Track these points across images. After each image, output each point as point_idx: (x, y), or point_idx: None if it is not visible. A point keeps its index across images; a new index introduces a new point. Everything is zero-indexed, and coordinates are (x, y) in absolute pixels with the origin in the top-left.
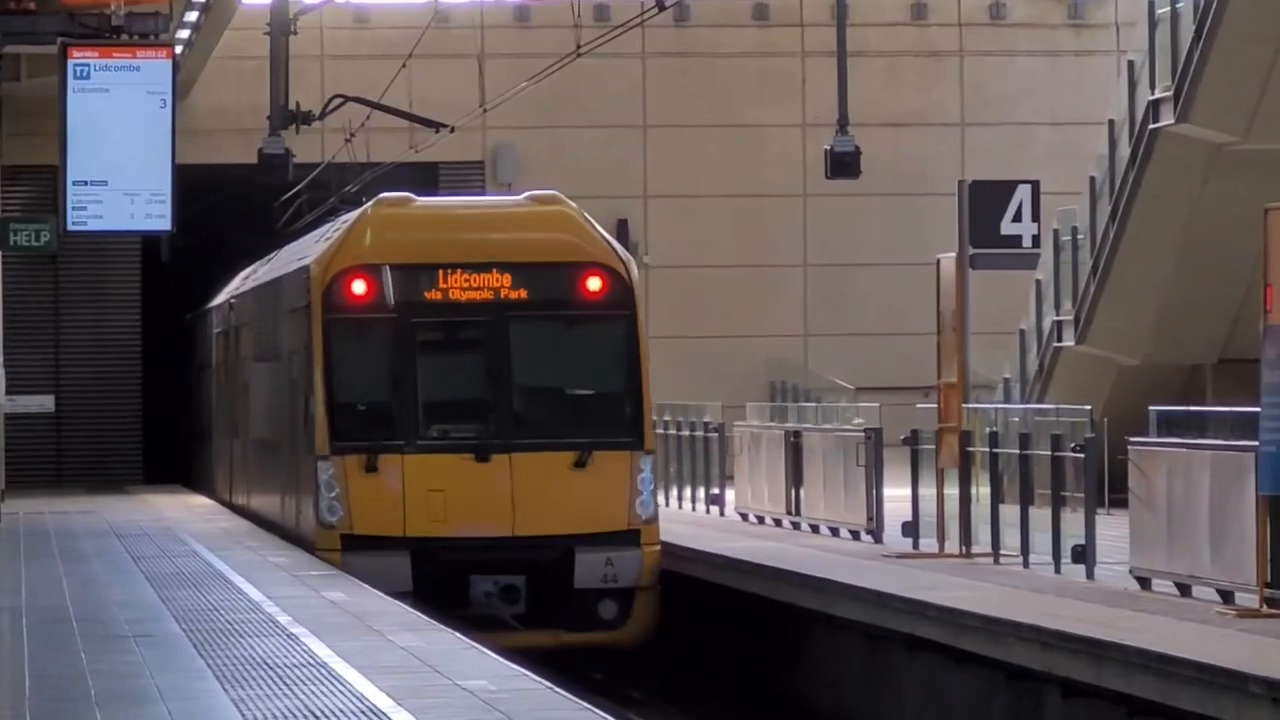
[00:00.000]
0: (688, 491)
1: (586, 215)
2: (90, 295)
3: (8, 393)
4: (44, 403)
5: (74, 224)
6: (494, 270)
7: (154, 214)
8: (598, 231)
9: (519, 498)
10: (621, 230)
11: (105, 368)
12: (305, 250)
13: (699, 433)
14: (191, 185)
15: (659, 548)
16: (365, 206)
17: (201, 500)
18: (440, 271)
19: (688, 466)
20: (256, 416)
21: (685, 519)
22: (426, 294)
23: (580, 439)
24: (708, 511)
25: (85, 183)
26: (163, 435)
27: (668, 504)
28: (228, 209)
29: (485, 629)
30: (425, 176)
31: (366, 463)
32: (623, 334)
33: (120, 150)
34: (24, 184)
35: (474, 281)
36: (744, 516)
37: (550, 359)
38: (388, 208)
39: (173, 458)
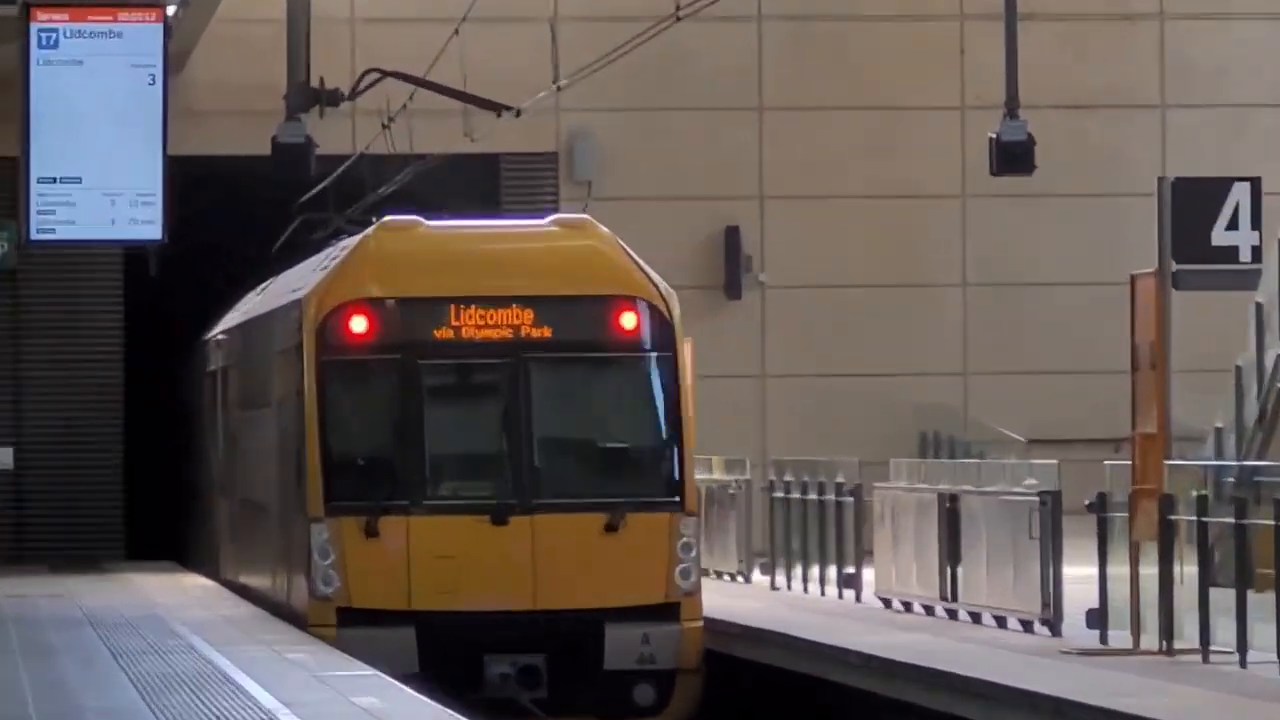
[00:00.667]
0: (815, 571)
1: (621, 243)
2: (59, 322)
3: None
4: (1, 458)
5: (39, 231)
6: (514, 305)
7: (140, 219)
8: (633, 260)
9: (541, 566)
10: (731, 240)
11: (78, 413)
12: (300, 280)
13: (829, 496)
14: (188, 183)
15: (702, 624)
16: (367, 231)
17: (199, 581)
18: (452, 306)
19: (815, 540)
20: (244, 473)
21: (811, 605)
22: (436, 332)
23: (612, 499)
24: (840, 596)
25: (53, 179)
26: (151, 499)
27: (789, 586)
28: (234, 213)
29: (501, 716)
30: (483, 173)
31: (366, 525)
32: (661, 377)
33: (97, 139)
34: None
35: (491, 318)
36: (886, 603)
37: (577, 406)
38: (392, 231)
39: (163, 527)
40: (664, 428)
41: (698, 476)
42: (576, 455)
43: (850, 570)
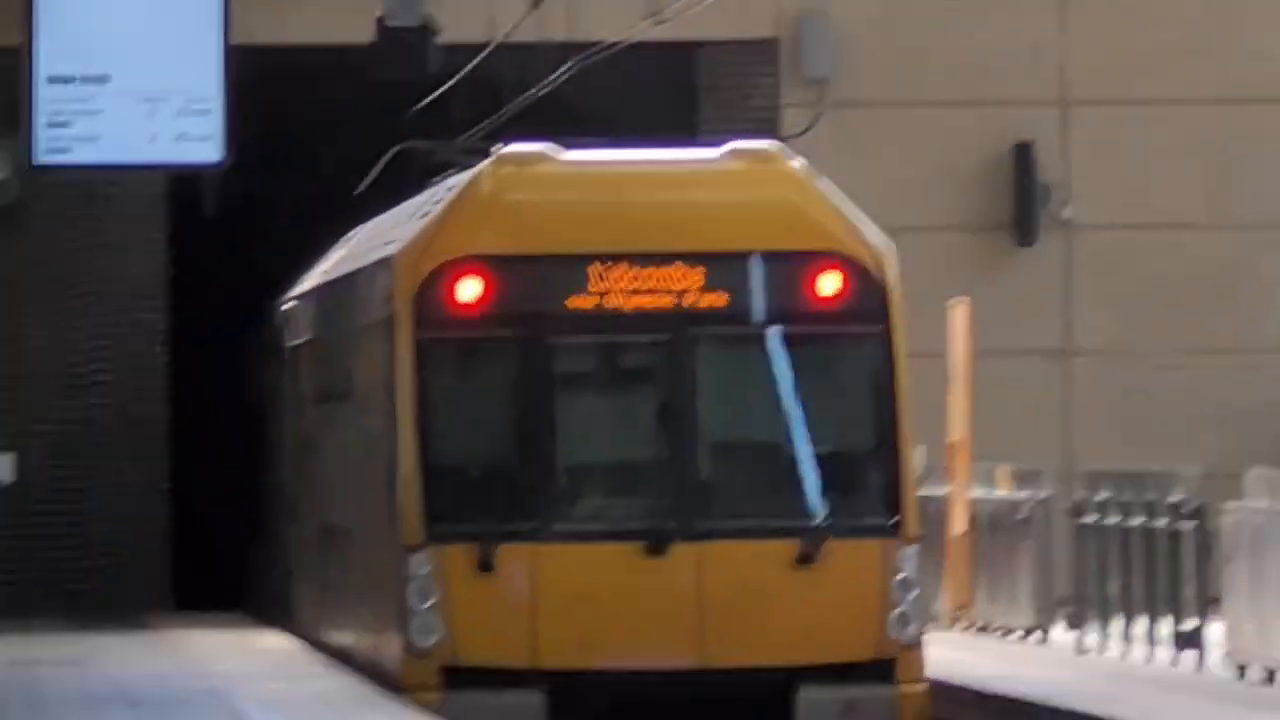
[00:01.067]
0: (1141, 625)
1: (823, 182)
2: (78, 281)
3: None
4: None
5: (49, 152)
6: (676, 264)
7: (191, 134)
8: (837, 205)
9: (711, 610)
10: (1022, 159)
11: (104, 408)
12: (393, 230)
13: (1161, 522)
14: (260, 84)
15: (926, 686)
16: (481, 165)
17: (274, 640)
18: (593, 266)
19: (1140, 581)
20: (322, 489)
21: (1135, 674)
22: (571, 300)
23: (807, 521)
24: (1175, 660)
25: (70, 79)
26: (208, 525)
27: (1104, 648)
28: (323, 125)
29: None
30: (673, 69)
31: (480, 557)
32: (872, 361)
33: (132, 21)
34: None
35: (645, 281)
36: (1241, 670)
37: (760, 400)
38: (515, 165)
39: (225, 564)
40: (875, 427)
41: (976, 493)
42: (759, 463)
43: (1191, 626)
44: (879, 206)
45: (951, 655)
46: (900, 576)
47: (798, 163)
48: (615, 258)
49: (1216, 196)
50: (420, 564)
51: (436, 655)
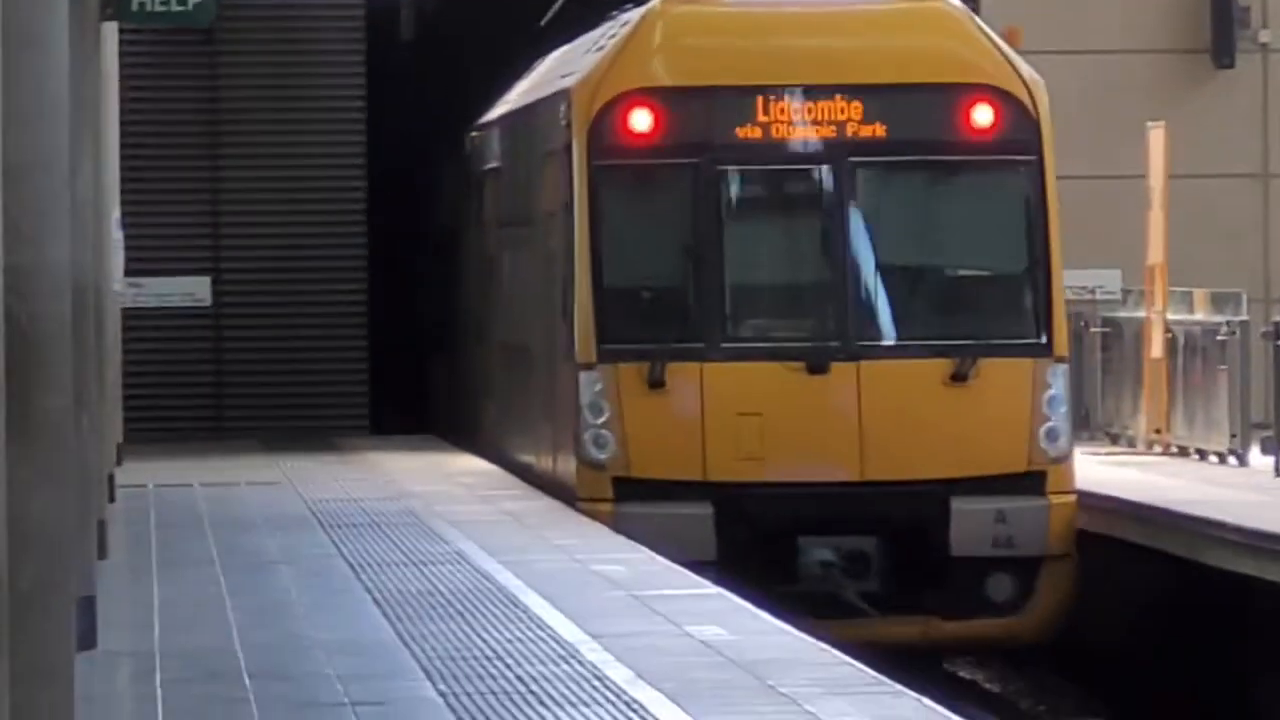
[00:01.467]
0: None
1: (976, 18)
2: (275, 106)
3: (136, 273)
4: (194, 290)
5: None
6: (838, 96)
7: None
8: (991, 39)
9: (870, 426)
10: None
11: (302, 232)
12: (570, 63)
13: None
14: None
15: (1074, 498)
16: (651, 2)
17: (469, 462)
18: (759, 98)
19: None
20: (505, 312)
21: None
22: (739, 130)
23: (960, 340)
24: None
25: None
26: (406, 351)
27: None
28: None
29: (822, 614)
30: None
31: (650, 374)
32: (1024, 189)
33: None
34: None
35: (808, 112)
36: None
37: (917, 224)
38: (684, 4)
39: (423, 389)
40: (1027, 252)
41: (1172, 315)
42: (915, 286)
43: None
44: (1077, 28)
45: (1147, 478)
46: (1049, 393)
47: (955, 4)
48: (780, 90)
49: None
50: (593, 381)
51: (609, 468)
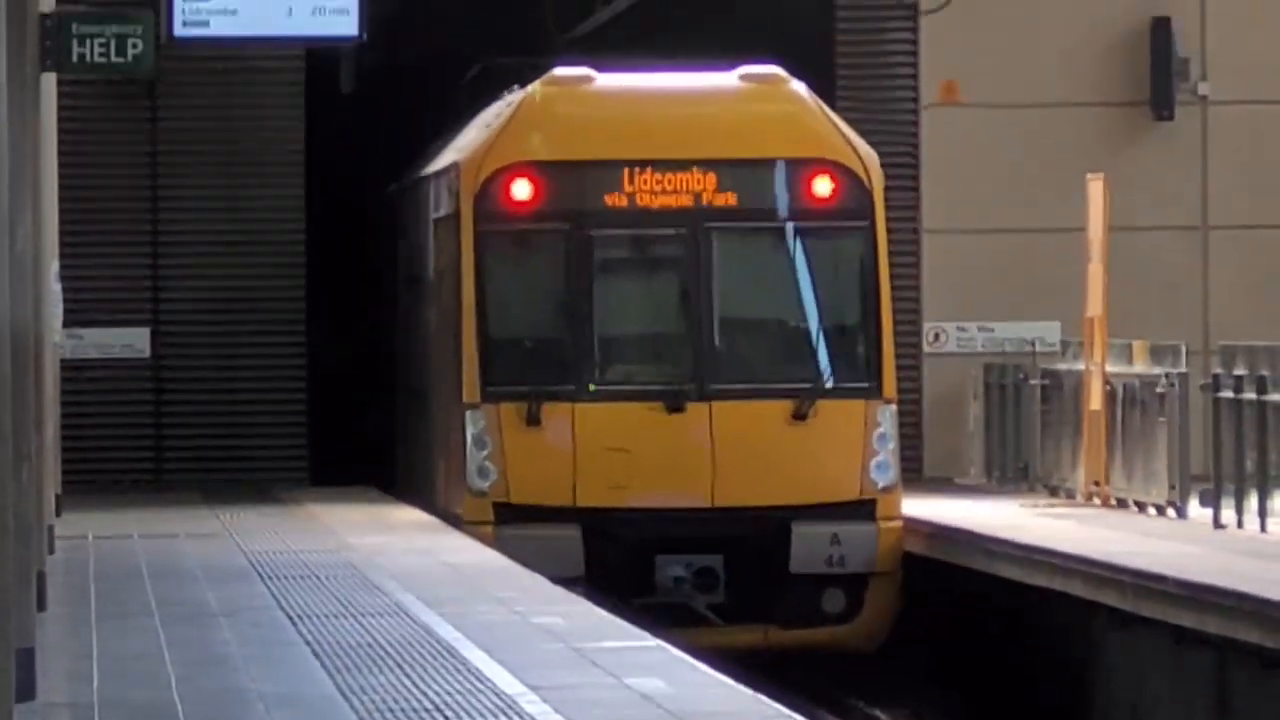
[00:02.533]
0: (1276, 502)
1: (820, 102)
2: (215, 156)
3: (75, 323)
4: (134, 341)
5: (186, 25)
6: (694, 169)
7: (330, 6)
8: (830, 118)
9: (720, 458)
10: (1160, 34)
11: (240, 284)
12: (465, 137)
13: None
14: None
15: (900, 523)
16: (531, 85)
17: (409, 514)
18: (625, 170)
19: (1276, 455)
20: (412, 360)
21: (1270, 549)
22: (607, 199)
23: (800, 384)
24: None
25: None
26: (346, 401)
27: (1240, 523)
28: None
29: (674, 623)
30: None
31: (528, 413)
32: (858, 251)
33: None
34: None
35: (668, 183)
36: None
37: (763, 282)
38: (560, 87)
39: (365, 441)
40: (860, 307)
41: (1112, 368)
42: (761, 336)
43: None
44: (1017, 81)
45: (1086, 531)
46: (879, 431)
47: (799, 85)
48: (643, 164)
49: None
50: (478, 419)
51: (491, 495)
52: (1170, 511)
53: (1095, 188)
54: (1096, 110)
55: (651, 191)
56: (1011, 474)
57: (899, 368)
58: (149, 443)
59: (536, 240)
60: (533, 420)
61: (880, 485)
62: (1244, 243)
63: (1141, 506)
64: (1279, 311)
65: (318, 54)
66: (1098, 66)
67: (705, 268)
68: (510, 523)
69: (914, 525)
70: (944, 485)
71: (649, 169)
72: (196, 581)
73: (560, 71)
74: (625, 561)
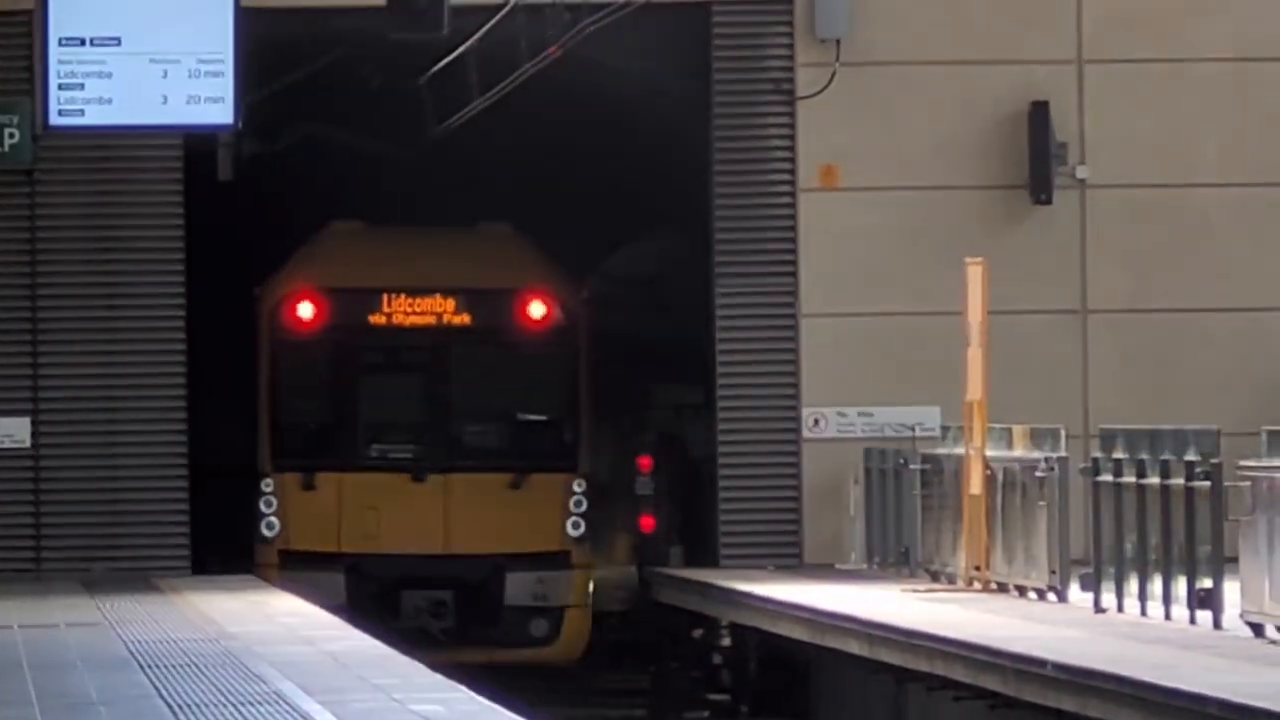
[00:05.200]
0: (1156, 586)
1: (532, 243)
2: (93, 245)
3: None
4: (13, 431)
5: (62, 114)
6: (437, 295)
7: (204, 95)
8: (544, 258)
9: (452, 516)
10: (1039, 118)
11: (120, 371)
12: (281, 264)
13: (1177, 481)
14: (271, 47)
15: (590, 569)
16: (320, 231)
17: (293, 603)
18: (385, 295)
19: (1157, 542)
20: (246, 441)
21: (1152, 634)
22: (371, 317)
23: (516, 460)
24: (1193, 620)
25: (82, 41)
26: (229, 487)
27: (1120, 607)
28: (336, 90)
29: (415, 644)
30: (686, 28)
31: (304, 481)
32: (562, 361)
33: None
34: None
35: (417, 305)
36: (1256, 629)
37: (490, 383)
38: (342, 229)
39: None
40: (565, 404)
41: (991, 452)
42: (487, 424)
43: (1206, 585)
44: (894, 165)
45: (967, 615)
46: (575, 498)
47: (517, 235)
48: (397, 290)
49: (1236, 154)
50: (269, 484)
51: (275, 543)
52: (1051, 595)
53: (974, 271)
54: (975, 194)
55: (405, 312)
56: (893, 559)
57: (778, 453)
58: (29, 532)
59: (317, 348)
60: (308, 486)
61: (574, 538)
62: (1122, 326)
63: (1022, 591)
64: (1158, 395)
65: (196, 141)
66: (976, 150)
67: (443, 371)
68: (290, 566)
69: (793, 612)
70: (825, 571)
71: (402, 294)
72: (76, 671)
73: (340, 223)
74: (377, 595)
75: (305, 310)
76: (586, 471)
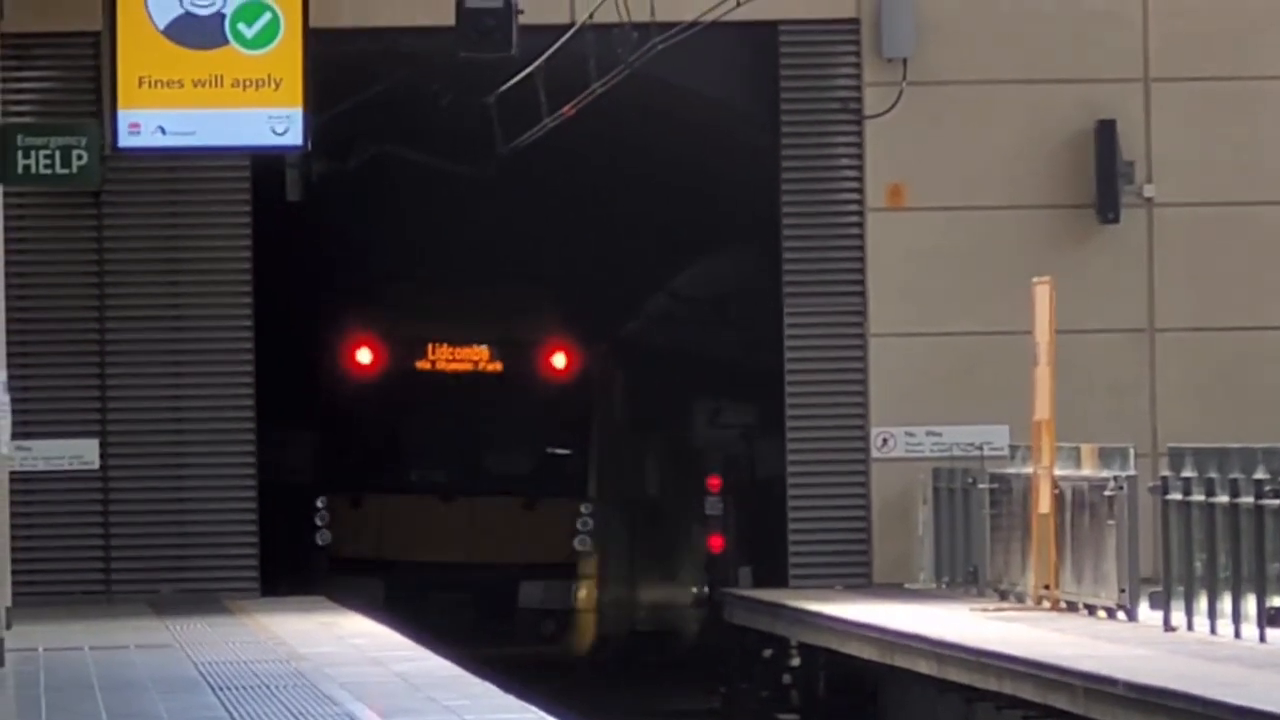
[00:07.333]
0: (1226, 604)
1: (557, 300)
2: (162, 264)
3: (23, 436)
4: (82, 452)
5: (130, 136)
6: (474, 344)
7: (271, 118)
8: (568, 313)
9: (477, 531)
10: (1105, 136)
11: (188, 393)
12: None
13: (1247, 499)
14: (340, 68)
15: (594, 578)
16: (379, 281)
17: (363, 624)
18: (430, 343)
19: (1227, 561)
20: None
21: (1221, 652)
22: (418, 363)
23: (533, 486)
24: (1262, 638)
25: None
26: (302, 512)
27: (1190, 625)
28: (408, 110)
29: (442, 637)
30: (754, 48)
31: (352, 500)
32: (579, 403)
33: None
34: (44, 65)
35: (458, 353)
36: None
37: (516, 423)
38: (395, 285)
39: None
40: (578, 440)
41: (1060, 471)
42: (512, 454)
43: (1277, 604)
44: (961, 184)
45: (1036, 634)
46: (581, 518)
47: (546, 290)
48: (442, 340)
49: None
50: (322, 501)
51: (328, 551)
52: (1120, 614)
53: (1041, 291)
54: (1042, 213)
55: (447, 359)
56: (961, 578)
57: (846, 473)
58: (98, 554)
59: (372, 388)
60: (356, 504)
61: (581, 552)
62: (1190, 344)
63: (1091, 609)
64: (1226, 413)
65: (264, 161)
66: (1043, 169)
67: (477, 409)
68: (340, 571)
69: (862, 632)
70: (894, 591)
71: (445, 344)
72: (147, 693)
73: (396, 280)
74: (410, 597)
75: (363, 356)
76: (594, 496)
